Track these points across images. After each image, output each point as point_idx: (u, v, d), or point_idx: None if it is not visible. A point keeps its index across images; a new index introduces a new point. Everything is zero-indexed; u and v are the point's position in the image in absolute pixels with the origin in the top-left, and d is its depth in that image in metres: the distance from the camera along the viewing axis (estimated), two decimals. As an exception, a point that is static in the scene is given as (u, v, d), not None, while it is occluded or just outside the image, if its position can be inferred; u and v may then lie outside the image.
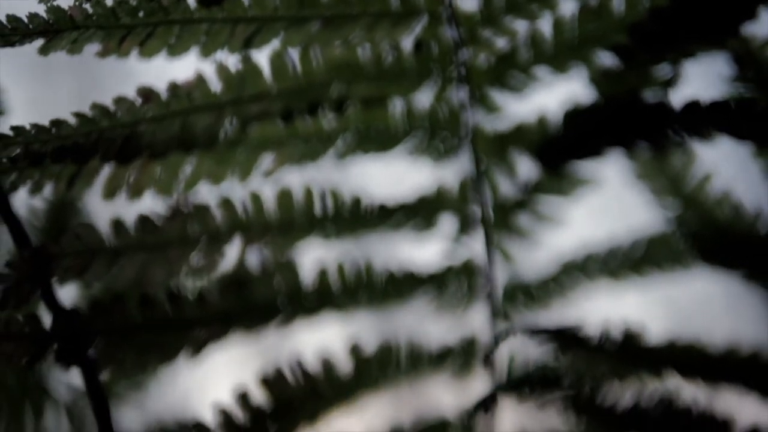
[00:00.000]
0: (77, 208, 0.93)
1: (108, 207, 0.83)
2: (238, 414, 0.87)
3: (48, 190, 0.80)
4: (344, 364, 0.91)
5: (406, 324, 0.96)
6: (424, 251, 0.94)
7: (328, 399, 0.91)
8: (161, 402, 1.08)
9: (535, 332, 0.87)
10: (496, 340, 0.93)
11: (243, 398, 0.89)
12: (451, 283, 0.93)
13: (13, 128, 0.75)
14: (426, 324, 0.96)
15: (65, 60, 0.76)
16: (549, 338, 0.87)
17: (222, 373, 1.09)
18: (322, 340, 0.93)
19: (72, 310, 0.81)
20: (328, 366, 0.90)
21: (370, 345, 0.93)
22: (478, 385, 0.97)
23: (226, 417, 0.87)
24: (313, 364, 0.90)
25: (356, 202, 0.88)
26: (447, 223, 0.92)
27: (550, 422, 0.95)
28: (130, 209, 0.83)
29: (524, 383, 0.90)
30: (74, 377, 1.13)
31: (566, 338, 0.87)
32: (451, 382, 0.98)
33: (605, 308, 0.97)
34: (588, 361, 0.90)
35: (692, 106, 0.81)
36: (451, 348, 0.94)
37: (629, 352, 0.89)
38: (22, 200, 0.81)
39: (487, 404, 0.90)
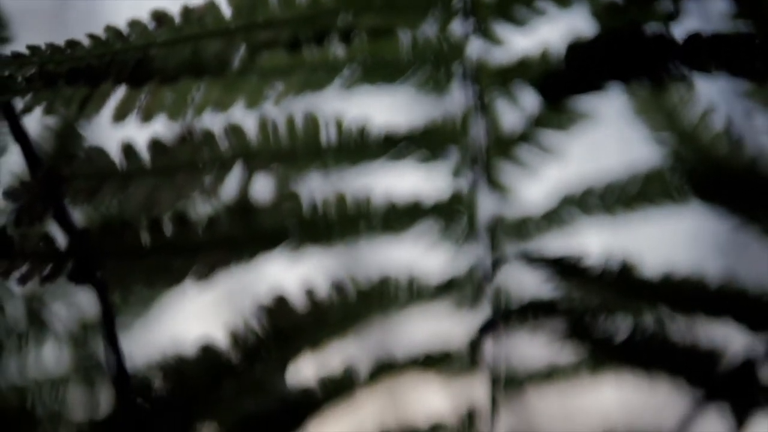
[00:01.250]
0: (81, 136, 0.94)
1: (109, 134, 0.85)
2: (244, 338, 0.89)
3: (59, 112, 0.81)
4: (346, 294, 0.93)
5: (406, 256, 0.98)
6: (425, 185, 0.96)
7: (329, 327, 0.93)
8: (167, 329, 1.09)
9: (534, 260, 0.89)
10: (494, 269, 0.95)
11: (246, 325, 0.90)
12: (450, 215, 0.95)
13: (29, 47, 0.76)
14: (425, 256, 0.98)
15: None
16: (547, 266, 0.89)
17: (228, 300, 1.11)
18: (324, 269, 0.94)
19: (83, 230, 0.82)
20: (329, 295, 0.92)
21: (370, 276, 0.95)
22: (476, 317, 0.99)
23: (234, 338, 0.89)
24: (315, 293, 0.92)
25: (360, 132, 0.90)
26: (448, 155, 0.94)
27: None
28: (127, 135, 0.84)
29: (522, 311, 0.92)
30: (72, 309, 1.15)
31: (564, 266, 0.89)
32: (449, 314, 1.00)
33: (601, 243, 0.99)
34: (585, 291, 0.92)
35: (694, 39, 0.83)
36: (449, 279, 0.96)
37: (626, 283, 0.91)
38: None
39: (488, 330, 0.92)
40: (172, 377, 0.85)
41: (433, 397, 1.05)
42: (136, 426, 0.83)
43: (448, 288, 0.96)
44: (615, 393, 1.07)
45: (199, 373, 0.87)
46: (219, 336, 0.89)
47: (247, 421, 0.91)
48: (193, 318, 1.15)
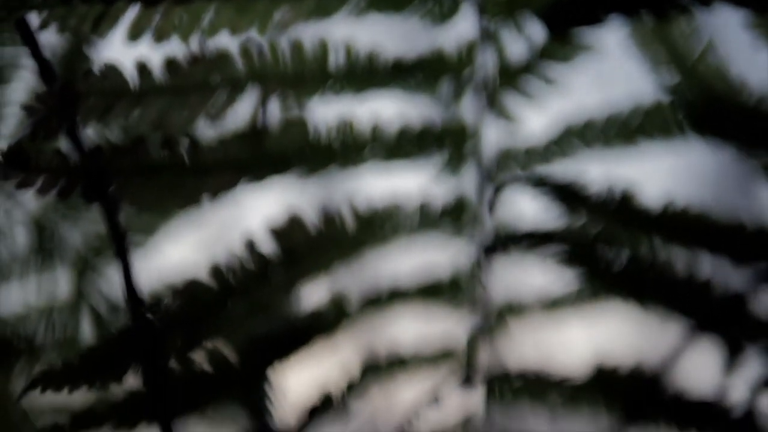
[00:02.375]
0: (90, 56, 0.95)
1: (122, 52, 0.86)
2: (249, 260, 0.91)
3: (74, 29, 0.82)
4: (349, 220, 0.95)
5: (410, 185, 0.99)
6: (431, 114, 0.97)
7: (336, 251, 0.94)
8: (177, 250, 1.11)
9: (536, 185, 0.90)
10: (496, 196, 0.96)
11: (252, 246, 0.92)
12: (456, 143, 0.96)
13: (44, -35, 0.78)
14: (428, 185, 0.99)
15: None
16: (549, 191, 0.90)
17: (235, 222, 1.12)
18: (330, 194, 0.96)
19: (96, 147, 0.84)
20: (336, 218, 0.93)
21: (373, 203, 0.97)
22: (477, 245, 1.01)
23: (238, 262, 0.90)
24: (322, 216, 0.93)
25: (369, 58, 0.91)
26: (454, 83, 0.95)
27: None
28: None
29: (523, 237, 0.93)
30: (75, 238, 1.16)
31: (566, 192, 0.90)
32: (450, 243, 1.02)
33: (601, 176, 1.00)
34: (586, 218, 0.93)
35: (697, -30, 0.84)
36: (452, 206, 0.98)
37: (626, 212, 0.93)
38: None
39: (490, 255, 0.93)
40: (182, 296, 0.87)
41: (429, 328, 1.06)
42: (147, 343, 0.84)
43: (450, 215, 0.98)
44: (609, 326, 1.09)
45: (208, 292, 0.88)
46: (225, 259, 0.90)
47: (254, 342, 0.92)
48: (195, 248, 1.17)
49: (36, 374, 0.81)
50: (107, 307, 1.14)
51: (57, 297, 1.15)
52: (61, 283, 1.15)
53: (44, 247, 1.13)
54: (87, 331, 1.13)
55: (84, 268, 1.13)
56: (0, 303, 1.15)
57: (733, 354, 1.03)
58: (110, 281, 1.15)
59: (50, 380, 0.81)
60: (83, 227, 1.14)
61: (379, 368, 1.00)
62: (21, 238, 1.13)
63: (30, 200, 1.14)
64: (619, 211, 0.92)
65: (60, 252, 1.13)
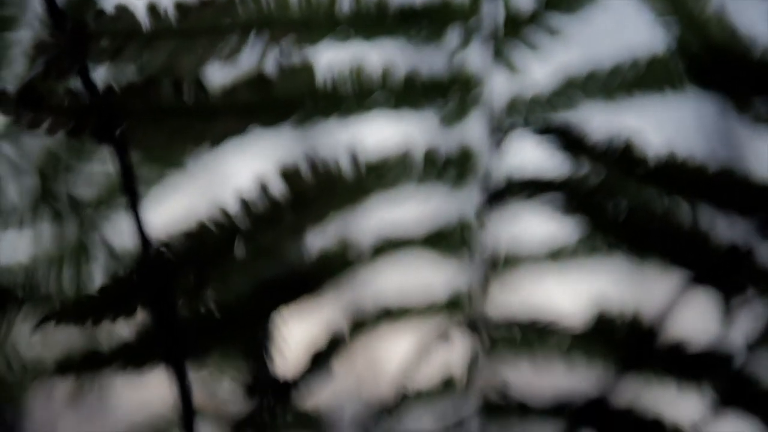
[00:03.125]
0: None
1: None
2: (257, 203, 0.91)
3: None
4: (359, 164, 0.96)
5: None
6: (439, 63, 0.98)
7: (342, 197, 0.95)
8: (187, 192, 1.11)
9: (540, 131, 0.91)
10: (499, 143, 0.97)
11: (263, 189, 0.92)
12: (462, 91, 0.97)
13: None
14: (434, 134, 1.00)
15: None
16: (552, 138, 0.91)
17: (245, 166, 1.12)
18: (340, 140, 0.97)
19: (108, 88, 0.84)
20: (343, 165, 0.94)
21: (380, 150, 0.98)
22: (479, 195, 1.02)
23: (245, 206, 0.91)
24: (331, 161, 0.94)
25: (377, 4, 0.92)
26: (460, 32, 0.96)
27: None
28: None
29: (526, 185, 0.94)
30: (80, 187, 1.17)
31: (570, 139, 0.91)
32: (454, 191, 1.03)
33: (603, 127, 1.01)
34: (589, 166, 0.94)
35: None
36: (456, 155, 0.99)
37: (627, 161, 0.94)
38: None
39: (493, 202, 0.94)
40: (191, 237, 0.88)
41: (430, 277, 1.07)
42: (157, 283, 0.85)
43: (454, 164, 0.99)
44: (608, 278, 1.10)
45: (215, 234, 0.89)
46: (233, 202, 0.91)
47: (260, 286, 0.93)
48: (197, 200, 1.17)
49: (48, 311, 0.82)
50: (113, 256, 1.14)
51: (62, 246, 1.15)
52: (66, 232, 1.16)
53: (49, 196, 1.14)
54: (92, 281, 1.14)
55: (89, 218, 1.14)
56: (4, 252, 1.15)
57: (730, 305, 1.04)
58: (115, 231, 1.16)
59: (62, 316, 0.82)
60: (88, 176, 1.15)
61: (380, 317, 1.02)
62: (25, 186, 1.13)
63: (35, 148, 1.14)
64: (621, 160, 0.94)
65: (65, 201, 1.14)
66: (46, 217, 1.14)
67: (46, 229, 1.15)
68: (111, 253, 1.14)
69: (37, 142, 1.11)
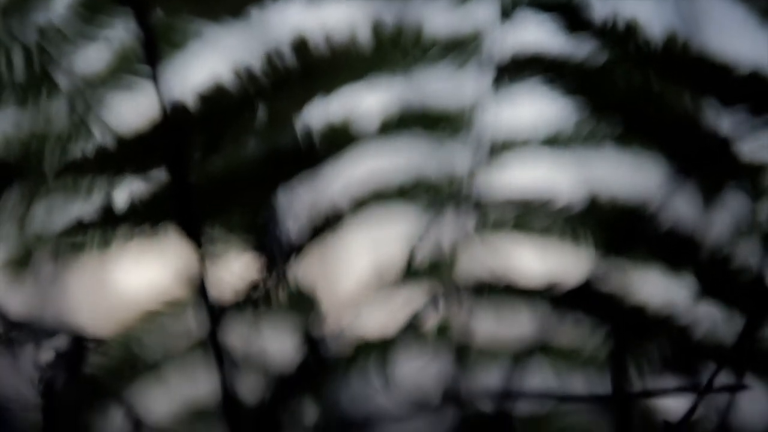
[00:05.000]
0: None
1: None
2: (271, 69, 0.93)
3: None
4: (366, 40, 0.98)
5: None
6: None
7: (354, 70, 0.97)
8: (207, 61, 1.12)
9: (545, 7, 0.93)
10: (503, 20, 0.98)
11: (270, 60, 0.94)
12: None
13: None
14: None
15: None
16: (554, 15, 0.93)
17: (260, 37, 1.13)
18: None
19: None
20: (355, 37, 0.96)
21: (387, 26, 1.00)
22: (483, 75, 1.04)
23: (249, 76, 0.93)
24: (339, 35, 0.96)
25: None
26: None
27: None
28: None
29: (530, 62, 0.96)
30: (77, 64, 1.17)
31: (571, 16, 0.93)
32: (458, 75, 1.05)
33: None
34: (593, 45, 0.96)
35: None
36: (466, 34, 1.01)
37: (629, 42, 0.96)
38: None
39: (497, 80, 0.97)
40: (206, 98, 0.89)
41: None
42: (173, 140, 0.87)
43: (460, 44, 1.01)
44: (602, 167, 1.12)
45: (230, 95, 0.91)
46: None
47: (271, 153, 0.95)
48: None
49: (69, 161, 0.83)
50: (108, 135, 1.15)
51: (58, 123, 1.16)
52: (63, 109, 1.16)
53: (45, 72, 1.14)
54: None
55: (86, 95, 1.14)
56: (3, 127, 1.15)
57: (715, 194, 1.07)
58: (112, 111, 1.16)
59: (82, 167, 0.83)
60: (85, 55, 1.15)
61: (384, 192, 1.04)
62: (28, 61, 1.14)
63: (32, 27, 1.14)
64: (624, 40, 0.96)
65: (62, 78, 1.14)
66: (46, 93, 1.14)
67: (46, 105, 1.15)
68: (110, 132, 1.15)
69: (44, 16, 1.11)
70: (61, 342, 0.79)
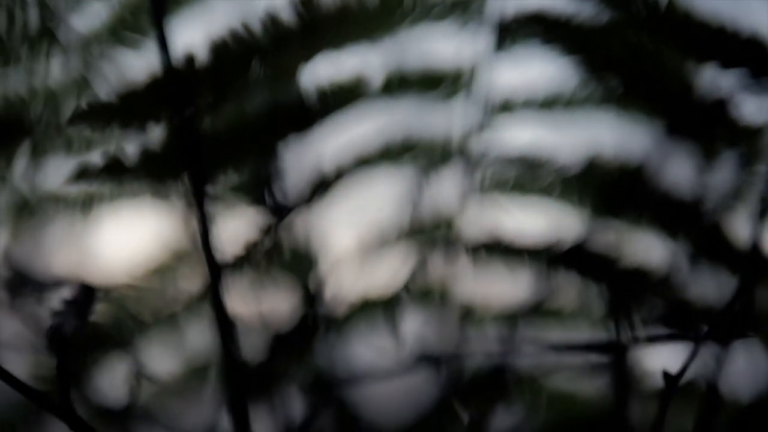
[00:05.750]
0: None
1: None
2: (273, 26, 0.94)
3: None
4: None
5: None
6: None
7: (357, 27, 0.98)
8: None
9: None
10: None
11: (273, 20, 0.95)
12: None
13: None
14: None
15: None
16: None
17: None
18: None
19: None
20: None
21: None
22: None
23: (263, 26, 0.94)
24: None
25: None
26: None
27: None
28: None
29: (531, 19, 0.97)
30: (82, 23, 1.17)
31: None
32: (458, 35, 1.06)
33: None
34: (595, 4, 0.98)
35: None
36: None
37: (634, 3, 0.97)
38: None
39: (498, 41, 0.98)
40: (210, 53, 0.90)
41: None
42: (179, 92, 0.88)
43: (465, 3, 1.02)
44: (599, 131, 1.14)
45: (235, 51, 0.91)
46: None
47: (274, 108, 0.96)
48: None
49: (77, 109, 0.83)
50: (112, 94, 1.15)
51: (62, 81, 1.16)
52: (67, 67, 1.17)
53: (49, 30, 1.14)
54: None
55: (91, 54, 1.15)
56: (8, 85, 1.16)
57: (711, 156, 1.08)
58: (117, 68, 1.17)
59: (90, 115, 0.84)
60: (90, 15, 1.15)
61: (389, 150, 1.05)
62: (29, 19, 1.14)
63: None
64: (626, 1, 0.97)
65: (66, 35, 1.15)
66: (49, 50, 1.15)
67: (48, 63, 1.16)
68: (113, 91, 1.15)
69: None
70: (69, 290, 0.80)
